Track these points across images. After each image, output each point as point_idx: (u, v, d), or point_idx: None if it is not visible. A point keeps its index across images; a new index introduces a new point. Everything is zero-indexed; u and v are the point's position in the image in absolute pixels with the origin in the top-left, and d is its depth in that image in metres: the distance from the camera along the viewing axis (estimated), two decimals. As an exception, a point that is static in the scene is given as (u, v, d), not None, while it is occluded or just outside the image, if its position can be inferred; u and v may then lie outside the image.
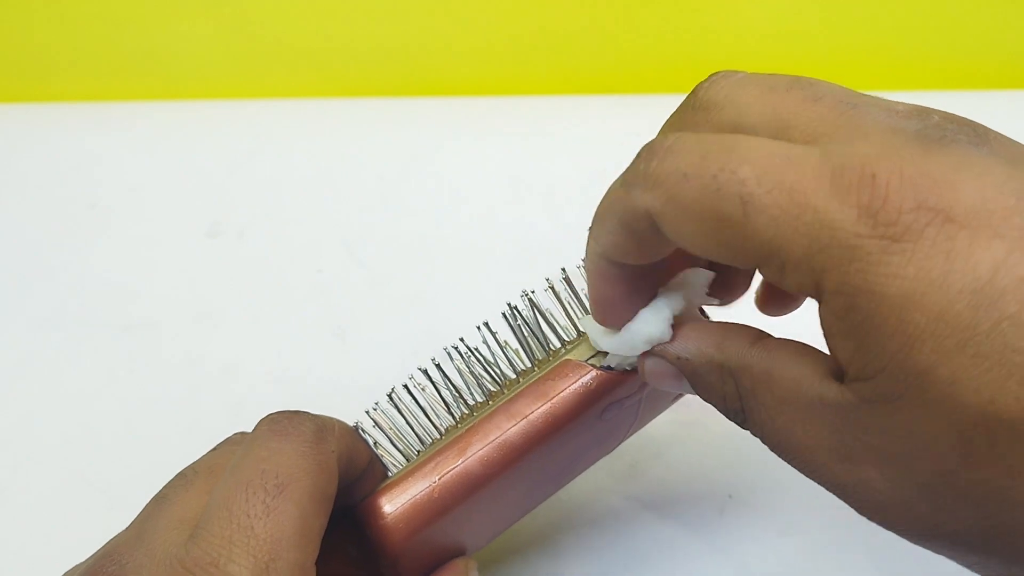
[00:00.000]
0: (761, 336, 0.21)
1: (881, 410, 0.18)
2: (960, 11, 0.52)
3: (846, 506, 0.21)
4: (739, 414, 0.22)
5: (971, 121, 0.19)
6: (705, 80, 0.22)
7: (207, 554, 0.21)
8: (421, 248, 0.46)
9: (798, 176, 0.18)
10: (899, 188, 0.17)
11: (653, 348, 0.24)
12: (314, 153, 0.52)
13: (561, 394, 0.27)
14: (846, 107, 0.20)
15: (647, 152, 0.20)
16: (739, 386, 0.21)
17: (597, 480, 0.35)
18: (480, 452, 0.26)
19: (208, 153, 0.52)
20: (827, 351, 0.19)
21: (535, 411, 0.26)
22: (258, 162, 0.51)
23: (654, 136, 0.22)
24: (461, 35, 0.54)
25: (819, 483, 0.20)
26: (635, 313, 0.24)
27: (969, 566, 0.19)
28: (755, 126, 0.20)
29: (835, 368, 0.19)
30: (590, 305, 0.25)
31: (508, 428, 0.26)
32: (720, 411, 0.23)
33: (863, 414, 0.18)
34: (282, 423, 0.24)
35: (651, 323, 0.24)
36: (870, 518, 0.20)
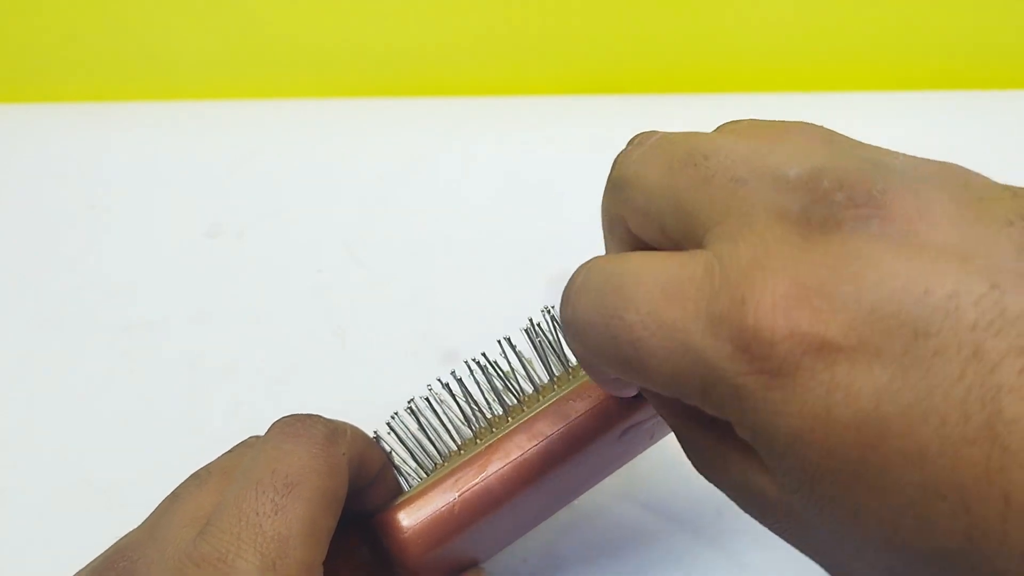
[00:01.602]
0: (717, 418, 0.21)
1: (809, 519, 0.18)
2: (959, 11, 0.52)
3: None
4: (707, 480, 0.22)
5: (865, 181, 0.17)
6: (623, 151, 0.22)
7: (216, 550, 0.21)
8: (421, 248, 0.46)
9: (678, 310, 0.18)
10: (770, 315, 0.16)
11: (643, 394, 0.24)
12: (314, 153, 0.52)
13: (581, 416, 0.27)
14: (735, 186, 0.18)
15: (565, 295, 0.21)
16: (701, 462, 0.21)
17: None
18: (500, 471, 0.26)
19: (208, 153, 0.52)
20: None
21: (555, 432, 0.26)
22: (258, 162, 0.51)
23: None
24: (461, 35, 0.54)
25: None
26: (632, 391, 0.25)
27: None
28: (662, 213, 0.20)
29: None
30: None
31: (528, 448, 0.26)
32: None
33: (797, 516, 0.18)
34: (294, 425, 0.24)
35: None
36: None
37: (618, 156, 0.22)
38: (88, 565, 0.24)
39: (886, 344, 0.15)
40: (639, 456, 0.36)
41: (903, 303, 0.15)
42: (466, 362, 0.29)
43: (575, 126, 0.52)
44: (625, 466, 0.36)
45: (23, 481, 0.38)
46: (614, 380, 0.24)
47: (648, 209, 0.20)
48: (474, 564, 0.29)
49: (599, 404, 0.27)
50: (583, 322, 0.20)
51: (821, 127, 0.20)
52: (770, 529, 0.20)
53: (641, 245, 0.22)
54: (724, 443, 0.20)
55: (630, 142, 0.22)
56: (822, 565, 0.20)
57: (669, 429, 0.30)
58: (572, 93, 0.55)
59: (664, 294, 0.18)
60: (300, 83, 0.56)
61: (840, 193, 0.17)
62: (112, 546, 0.24)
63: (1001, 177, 0.21)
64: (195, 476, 0.25)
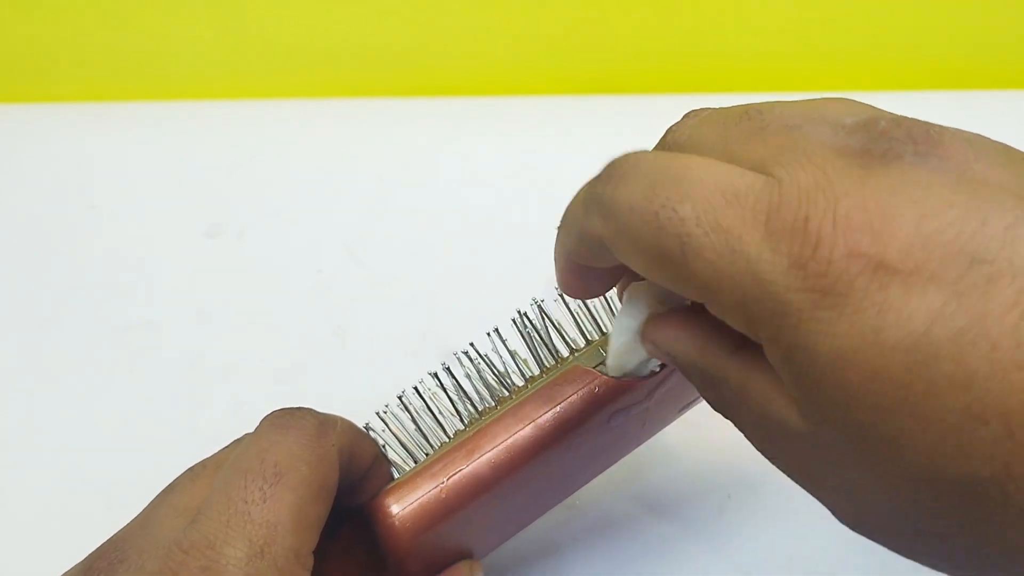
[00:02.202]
0: (743, 344, 0.20)
1: (835, 451, 0.18)
2: (959, 11, 0.52)
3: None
4: (725, 416, 0.22)
5: (922, 124, 0.18)
6: (676, 122, 0.22)
7: (204, 537, 0.22)
8: (421, 248, 0.46)
9: (736, 216, 0.18)
10: (831, 233, 0.16)
11: (648, 338, 0.24)
12: (314, 153, 0.52)
13: (569, 399, 0.27)
14: (790, 130, 0.19)
15: (606, 173, 0.20)
16: (718, 395, 0.21)
17: (598, 479, 0.35)
18: (488, 454, 0.26)
19: (208, 153, 0.52)
20: None
21: (543, 415, 0.26)
22: (258, 162, 0.51)
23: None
24: (461, 35, 0.54)
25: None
26: (600, 293, 0.25)
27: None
28: None
29: None
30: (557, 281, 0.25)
31: (516, 431, 0.26)
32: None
33: (820, 448, 0.18)
34: (284, 418, 0.25)
35: (623, 337, 0.25)
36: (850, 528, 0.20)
37: (671, 126, 0.22)
38: (84, 559, 0.24)
39: (942, 269, 0.16)
40: (640, 455, 0.36)
41: (961, 231, 0.16)
42: (455, 354, 0.29)
43: (575, 126, 0.52)
44: (626, 465, 0.36)
45: (23, 481, 0.38)
46: (594, 273, 0.24)
47: None
48: (467, 556, 0.29)
49: (587, 387, 0.27)
50: (625, 204, 0.19)
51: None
52: (785, 468, 0.20)
53: None
54: (746, 371, 0.20)
55: (685, 116, 0.22)
56: (834, 506, 0.19)
57: (662, 421, 0.31)
58: (572, 93, 0.55)
59: (724, 197, 0.18)
60: (300, 83, 0.56)
61: (899, 130, 0.18)
62: (107, 540, 0.24)
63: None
64: (189, 470, 0.25)
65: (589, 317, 0.29)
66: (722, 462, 0.36)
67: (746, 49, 0.54)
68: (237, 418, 0.39)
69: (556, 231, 0.24)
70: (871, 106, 0.20)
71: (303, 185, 0.50)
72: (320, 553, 0.24)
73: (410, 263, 0.45)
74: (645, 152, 0.20)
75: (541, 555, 0.34)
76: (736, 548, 0.34)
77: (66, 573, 0.24)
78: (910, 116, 0.19)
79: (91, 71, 0.55)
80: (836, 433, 0.17)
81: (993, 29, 0.53)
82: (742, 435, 0.22)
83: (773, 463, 0.20)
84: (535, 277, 0.43)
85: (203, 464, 0.26)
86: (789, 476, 0.20)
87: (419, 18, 0.53)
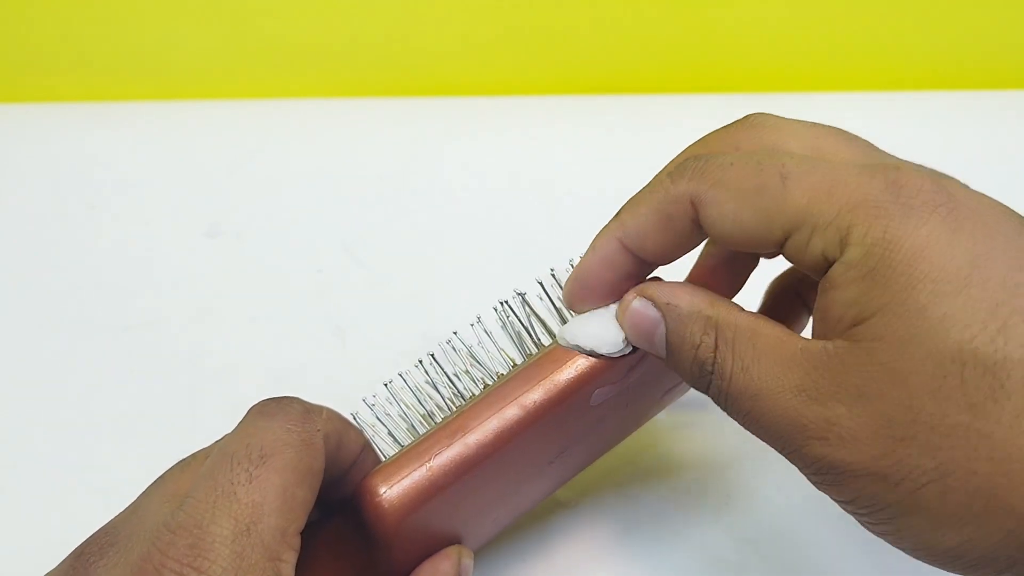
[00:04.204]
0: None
1: (866, 348, 0.21)
2: (959, 11, 0.52)
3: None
4: (706, 366, 0.24)
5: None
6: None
7: (191, 517, 0.22)
8: (421, 248, 0.46)
9: (832, 165, 0.22)
10: (918, 177, 0.21)
11: (645, 292, 0.26)
12: (314, 153, 0.52)
13: (550, 376, 0.27)
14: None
15: (695, 156, 0.24)
16: (719, 337, 0.24)
17: (595, 480, 0.35)
18: (473, 433, 0.27)
19: (208, 153, 0.52)
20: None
21: (524, 393, 0.27)
22: (258, 162, 0.51)
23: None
24: (462, 35, 0.54)
25: (776, 431, 0.22)
26: (599, 303, 0.27)
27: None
28: None
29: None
30: (569, 277, 0.28)
31: (499, 409, 0.27)
32: (683, 366, 0.25)
33: (845, 357, 0.21)
34: (270, 405, 0.26)
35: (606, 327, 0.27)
36: (824, 461, 0.21)
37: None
38: (76, 547, 0.24)
39: (994, 222, 0.22)
40: (639, 456, 0.36)
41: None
42: (440, 344, 0.29)
43: (575, 126, 0.52)
44: (625, 466, 0.36)
45: (23, 481, 0.38)
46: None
47: None
48: (457, 542, 0.29)
49: (565, 365, 0.27)
50: (721, 164, 0.24)
51: None
52: (768, 403, 0.23)
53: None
54: (755, 320, 0.24)
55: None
56: (807, 428, 0.22)
57: (646, 406, 0.32)
58: (572, 93, 0.55)
59: (821, 158, 0.24)
60: (300, 83, 0.56)
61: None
62: (99, 528, 0.25)
63: (1001, 177, 0.21)
64: (181, 461, 0.26)
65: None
66: (721, 464, 0.36)
67: (746, 49, 0.54)
68: (237, 418, 0.39)
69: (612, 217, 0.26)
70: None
71: (303, 185, 0.50)
72: (311, 543, 0.24)
73: (410, 263, 0.45)
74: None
75: (536, 555, 0.34)
76: (736, 550, 0.34)
77: (60, 563, 0.24)
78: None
79: (91, 71, 0.55)
80: (888, 317, 0.20)
81: (993, 29, 0.53)
82: (746, 438, 0.22)
83: (754, 407, 0.23)
84: (534, 276, 0.43)
85: (193, 455, 0.26)
86: (769, 417, 0.22)
87: (419, 18, 0.53)
